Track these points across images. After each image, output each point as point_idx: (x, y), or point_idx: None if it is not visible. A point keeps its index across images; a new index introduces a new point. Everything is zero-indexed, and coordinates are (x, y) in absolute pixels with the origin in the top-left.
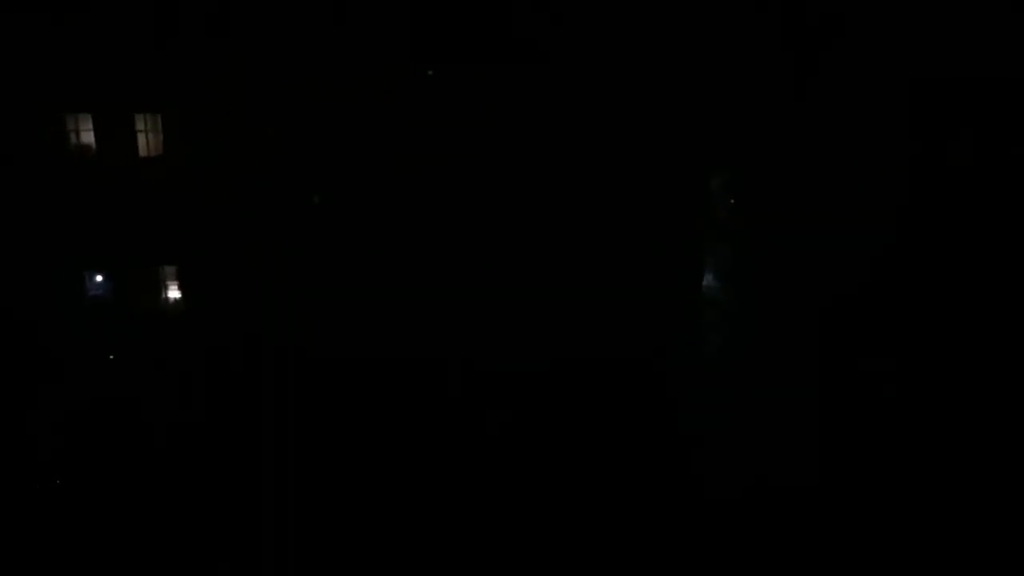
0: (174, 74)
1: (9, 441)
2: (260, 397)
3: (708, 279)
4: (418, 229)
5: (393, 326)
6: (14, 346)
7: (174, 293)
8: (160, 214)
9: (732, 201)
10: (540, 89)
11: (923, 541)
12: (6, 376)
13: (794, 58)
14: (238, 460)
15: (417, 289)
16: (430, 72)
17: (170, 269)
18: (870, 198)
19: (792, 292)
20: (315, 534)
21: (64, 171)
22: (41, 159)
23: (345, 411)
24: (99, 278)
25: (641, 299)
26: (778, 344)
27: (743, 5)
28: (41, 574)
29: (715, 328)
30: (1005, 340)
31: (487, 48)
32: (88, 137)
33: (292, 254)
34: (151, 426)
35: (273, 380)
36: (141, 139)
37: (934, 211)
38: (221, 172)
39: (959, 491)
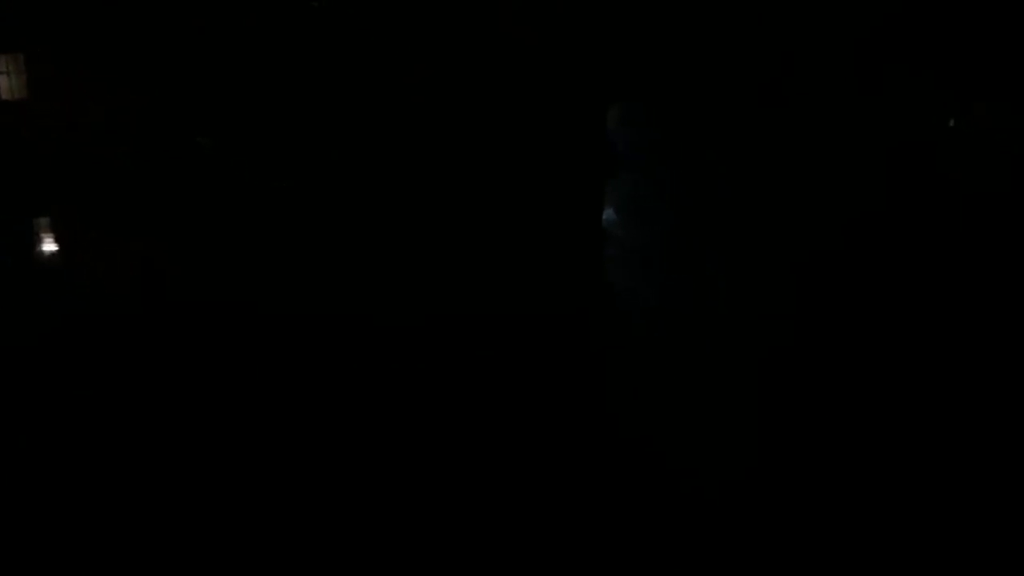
0: (38, 9)
1: None
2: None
3: (608, 213)
4: (317, 176)
5: (305, 279)
6: None
7: (48, 247)
8: (25, 162)
9: (629, 135)
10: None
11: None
12: None
13: None
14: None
15: (324, 244)
16: (315, 3)
17: (41, 221)
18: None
19: (695, 225)
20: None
21: None
22: None
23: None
24: None
25: (536, 237)
26: (685, 279)
27: None
28: None
29: (616, 263)
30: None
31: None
32: None
33: (178, 202)
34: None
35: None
36: (3, 81)
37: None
38: (94, 115)
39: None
